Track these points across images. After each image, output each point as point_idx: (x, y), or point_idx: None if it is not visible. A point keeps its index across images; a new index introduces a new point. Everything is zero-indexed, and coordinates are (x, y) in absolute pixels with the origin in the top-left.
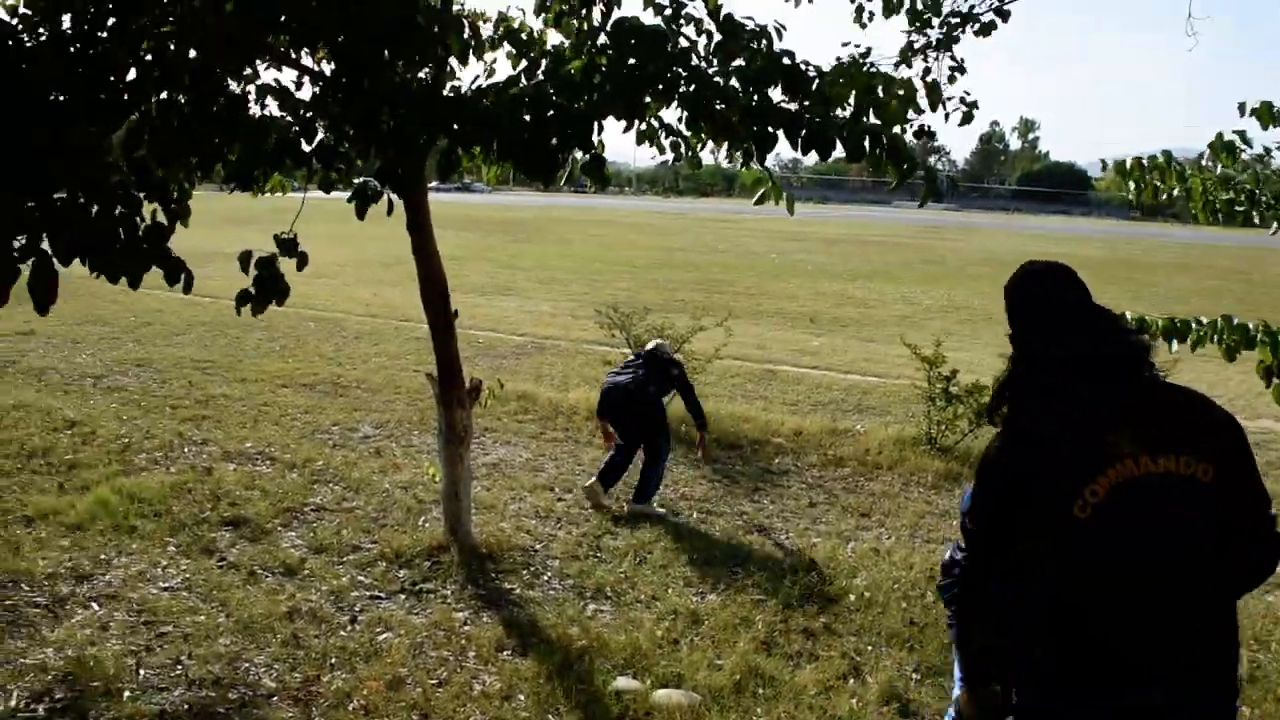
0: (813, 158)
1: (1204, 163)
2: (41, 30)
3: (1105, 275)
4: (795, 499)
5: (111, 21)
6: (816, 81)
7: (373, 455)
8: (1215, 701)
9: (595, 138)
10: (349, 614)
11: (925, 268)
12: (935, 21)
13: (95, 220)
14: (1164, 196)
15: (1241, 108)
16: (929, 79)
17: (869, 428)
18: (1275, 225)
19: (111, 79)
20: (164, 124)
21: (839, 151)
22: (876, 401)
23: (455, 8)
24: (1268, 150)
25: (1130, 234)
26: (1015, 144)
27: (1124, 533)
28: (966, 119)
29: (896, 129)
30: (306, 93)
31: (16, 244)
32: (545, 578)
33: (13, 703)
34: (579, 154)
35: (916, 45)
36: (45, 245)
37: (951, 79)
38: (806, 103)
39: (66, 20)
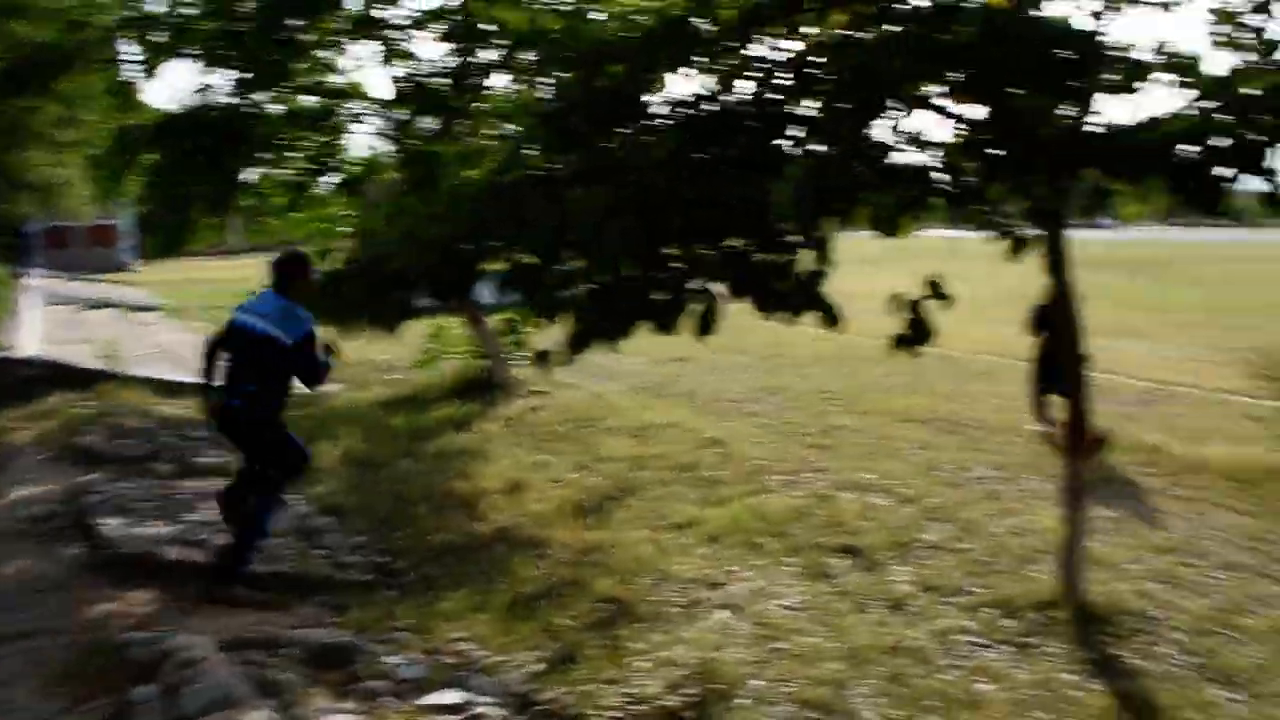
0: None
1: None
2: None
3: None
4: None
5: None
6: None
7: (985, 498)
8: None
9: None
10: (951, 657)
11: None
12: None
13: (758, 265)
14: None
15: None
16: None
17: None
18: None
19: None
20: (819, 175)
21: None
22: None
23: (1102, 38)
24: None
25: None
26: None
27: None
28: None
29: None
30: (941, 135)
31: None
32: (1164, 651)
33: (652, 688)
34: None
35: None
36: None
37: None
38: None
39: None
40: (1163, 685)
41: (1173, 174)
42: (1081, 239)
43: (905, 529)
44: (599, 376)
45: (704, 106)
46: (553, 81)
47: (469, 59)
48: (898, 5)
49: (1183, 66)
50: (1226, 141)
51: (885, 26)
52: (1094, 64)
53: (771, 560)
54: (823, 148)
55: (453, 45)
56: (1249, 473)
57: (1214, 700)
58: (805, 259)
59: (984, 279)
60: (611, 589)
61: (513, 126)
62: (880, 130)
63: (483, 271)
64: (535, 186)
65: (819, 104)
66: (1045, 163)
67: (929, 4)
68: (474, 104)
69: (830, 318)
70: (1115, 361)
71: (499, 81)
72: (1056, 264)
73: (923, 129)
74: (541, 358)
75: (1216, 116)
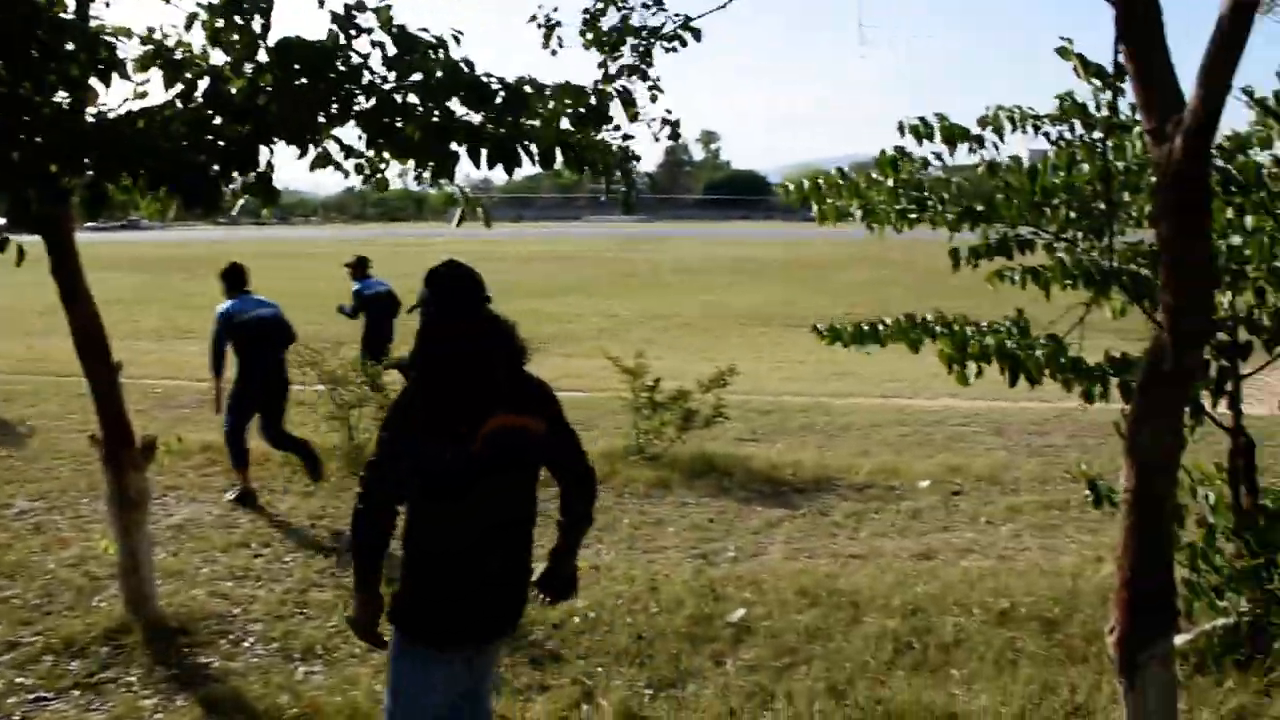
0: (503, 175)
1: (874, 176)
2: None
3: (789, 275)
4: None
5: None
6: (501, 94)
7: (32, 532)
8: None
9: (263, 161)
10: None
11: (622, 280)
12: (628, 44)
13: None
14: (846, 216)
15: (900, 127)
16: (621, 85)
17: None
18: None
19: None
20: None
21: (531, 168)
22: (583, 416)
23: (95, 22)
24: (926, 161)
25: (809, 234)
26: (699, 155)
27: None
28: (672, 137)
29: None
30: None
31: None
32: (247, 644)
33: None
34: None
35: (612, 69)
36: None
37: (653, 98)
38: (491, 115)
39: None
40: (249, 678)
41: (168, 171)
42: (121, 239)
43: None
44: None
45: None
46: None
47: None
48: None
49: (175, 61)
50: (214, 138)
51: None
52: (77, 46)
53: None
54: None
55: None
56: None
57: (299, 677)
58: None
59: (26, 289)
60: None
61: None
62: None
63: None
64: None
65: None
66: (30, 156)
67: None
68: None
69: None
70: (170, 365)
71: None
72: (62, 268)
73: None
74: None
75: (209, 113)
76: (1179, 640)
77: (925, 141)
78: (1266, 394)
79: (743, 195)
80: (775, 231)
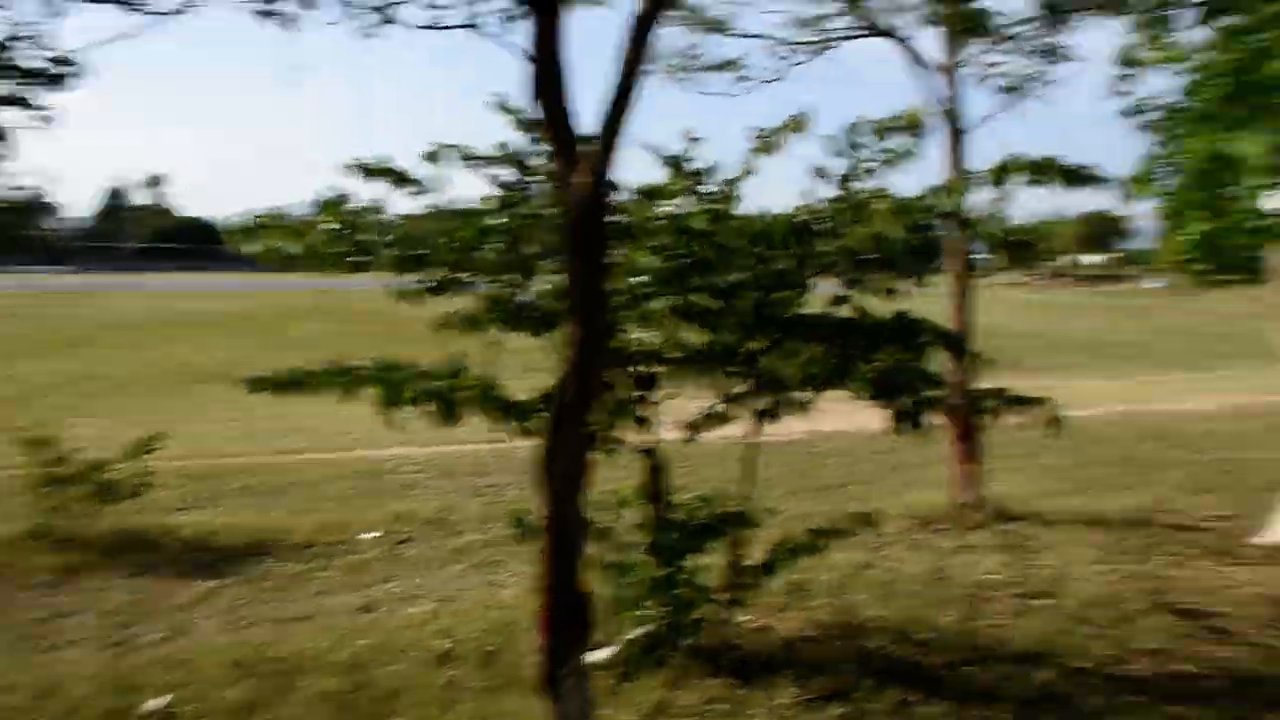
0: None
1: (316, 218)
2: None
3: (241, 329)
4: None
5: None
6: None
7: None
8: None
9: None
10: None
11: (37, 339)
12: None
13: None
14: (288, 258)
15: (346, 167)
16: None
17: None
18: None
19: None
20: None
21: None
22: None
23: None
24: (376, 207)
25: (265, 286)
26: (143, 201)
27: None
28: (39, 197)
29: None
30: None
31: None
32: None
33: None
34: None
35: None
36: None
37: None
38: None
39: None
40: None
41: None
42: None
43: None
44: None
45: None
46: None
47: None
48: None
49: None
50: None
51: None
52: None
53: None
54: None
55: None
56: None
57: None
58: None
59: None
60: None
61: None
62: None
63: None
64: None
65: None
66: None
67: None
68: None
69: None
70: None
71: None
72: None
73: None
74: None
75: None
76: (606, 653)
77: (374, 179)
78: (676, 418)
79: (193, 244)
80: (227, 282)
